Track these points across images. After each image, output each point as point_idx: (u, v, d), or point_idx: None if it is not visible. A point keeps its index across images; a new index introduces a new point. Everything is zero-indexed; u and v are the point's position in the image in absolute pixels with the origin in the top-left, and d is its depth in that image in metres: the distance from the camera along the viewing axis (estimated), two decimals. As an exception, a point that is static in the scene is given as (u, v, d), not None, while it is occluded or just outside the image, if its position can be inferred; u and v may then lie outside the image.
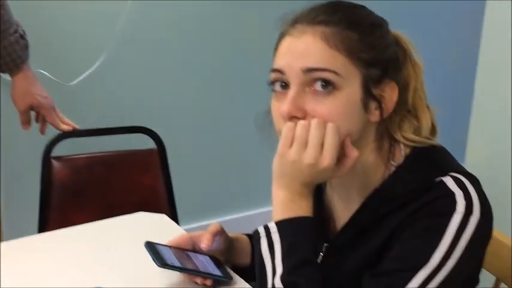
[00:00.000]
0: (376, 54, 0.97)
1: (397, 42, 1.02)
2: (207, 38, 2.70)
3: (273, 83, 1.00)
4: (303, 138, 0.94)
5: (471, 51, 2.12)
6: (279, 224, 0.96)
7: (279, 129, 0.98)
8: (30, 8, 2.19)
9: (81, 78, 2.41)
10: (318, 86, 0.94)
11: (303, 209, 0.96)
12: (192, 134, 2.77)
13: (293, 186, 0.96)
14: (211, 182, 2.87)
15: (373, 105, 0.98)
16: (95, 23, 2.42)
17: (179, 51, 2.65)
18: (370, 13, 1.02)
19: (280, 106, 0.97)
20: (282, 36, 1.00)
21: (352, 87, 0.95)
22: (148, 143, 1.96)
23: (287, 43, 0.98)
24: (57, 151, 1.85)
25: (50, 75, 2.32)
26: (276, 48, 1.01)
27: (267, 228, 0.97)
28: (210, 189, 2.87)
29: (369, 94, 0.96)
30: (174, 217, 1.94)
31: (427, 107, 1.03)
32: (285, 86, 0.98)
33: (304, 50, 0.95)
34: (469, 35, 2.41)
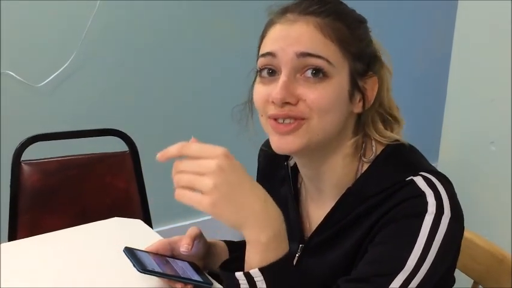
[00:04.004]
0: (362, 48, 1.00)
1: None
2: (177, 38, 2.68)
3: (261, 69, 1.00)
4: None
5: (444, 53, 2.15)
6: (264, 271, 0.89)
7: (265, 113, 0.98)
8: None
9: (49, 79, 2.38)
10: (309, 73, 0.96)
11: (281, 248, 0.91)
12: (164, 135, 2.74)
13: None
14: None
15: (357, 96, 1.01)
16: (64, 24, 2.39)
17: (149, 51, 2.63)
18: (353, 10, 1.05)
19: (270, 91, 0.97)
20: (271, 23, 1.01)
21: (341, 77, 0.97)
22: (120, 146, 1.94)
23: (278, 30, 0.99)
24: (27, 155, 1.81)
25: (17, 76, 2.28)
26: (263, 36, 1.02)
27: (249, 276, 0.90)
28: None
29: (355, 85, 0.99)
30: (147, 219, 1.92)
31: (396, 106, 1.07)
32: (272, 72, 0.98)
33: (299, 35, 0.96)
34: (442, 36, 2.44)
